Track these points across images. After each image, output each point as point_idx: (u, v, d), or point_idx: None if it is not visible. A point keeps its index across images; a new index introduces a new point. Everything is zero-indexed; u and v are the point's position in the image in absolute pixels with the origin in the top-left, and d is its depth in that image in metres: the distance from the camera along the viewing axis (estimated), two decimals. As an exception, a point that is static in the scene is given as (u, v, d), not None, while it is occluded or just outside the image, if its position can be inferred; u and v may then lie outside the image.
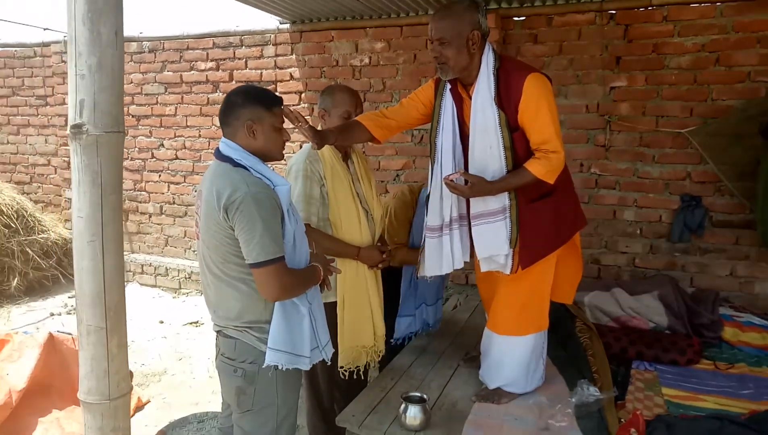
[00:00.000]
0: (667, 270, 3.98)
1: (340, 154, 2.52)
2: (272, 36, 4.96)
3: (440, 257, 2.40)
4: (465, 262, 2.48)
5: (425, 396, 2.27)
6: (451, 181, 2.18)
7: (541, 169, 2.17)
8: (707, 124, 3.72)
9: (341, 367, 2.52)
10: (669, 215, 3.95)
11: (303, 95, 4.94)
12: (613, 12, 3.91)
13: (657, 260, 4.03)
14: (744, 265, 3.84)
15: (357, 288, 2.53)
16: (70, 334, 3.57)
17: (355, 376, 2.57)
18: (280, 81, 4.99)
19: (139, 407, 3.35)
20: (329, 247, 2.42)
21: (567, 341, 3.09)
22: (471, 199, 2.30)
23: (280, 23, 4.91)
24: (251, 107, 1.80)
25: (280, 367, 1.82)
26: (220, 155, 1.82)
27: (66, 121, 5.48)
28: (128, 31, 5.52)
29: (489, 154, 2.22)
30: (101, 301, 1.40)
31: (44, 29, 5.74)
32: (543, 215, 2.32)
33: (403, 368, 2.88)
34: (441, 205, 2.36)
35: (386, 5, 4.30)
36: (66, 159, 5.87)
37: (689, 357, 2.94)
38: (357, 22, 4.63)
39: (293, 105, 4.95)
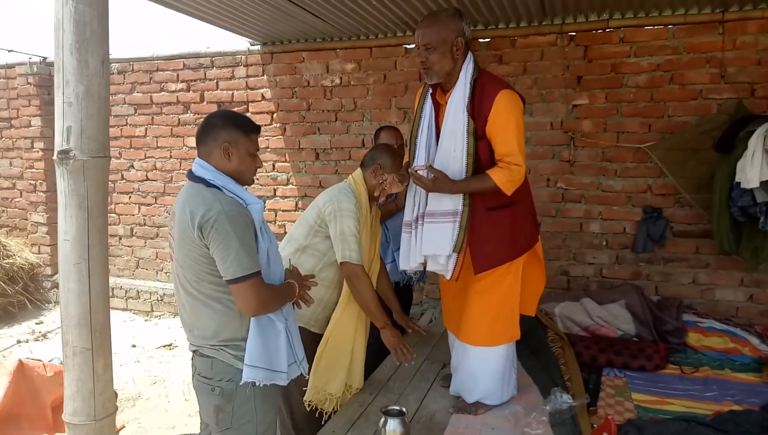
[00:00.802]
0: (633, 279, 4.12)
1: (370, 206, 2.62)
2: (243, 57, 5.01)
3: (408, 252, 2.50)
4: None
5: (404, 409, 2.31)
6: (416, 172, 2.28)
7: (502, 177, 2.26)
8: (664, 139, 3.91)
9: (306, 401, 2.54)
10: (633, 227, 4.11)
11: (275, 115, 4.98)
12: (573, 34, 4.09)
13: (623, 270, 4.17)
14: (705, 272, 4.01)
15: (343, 336, 2.57)
16: (39, 360, 3.50)
17: (317, 415, 2.57)
18: (252, 101, 5.03)
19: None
20: (369, 299, 2.49)
21: (540, 351, 3.18)
22: (429, 197, 2.39)
23: (251, 45, 4.97)
24: (230, 130, 1.84)
25: (257, 384, 1.83)
26: (192, 176, 1.85)
27: (32, 143, 5.40)
28: (96, 52, 5.51)
29: (452, 156, 2.32)
30: (87, 323, 1.41)
31: (9, 51, 5.66)
32: (500, 224, 2.40)
33: (381, 383, 2.92)
34: (414, 201, 2.46)
35: (356, 27, 4.40)
36: (32, 182, 5.77)
37: (656, 363, 3.06)
38: (327, 44, 4.72)
39: (265, 124, 5.00)
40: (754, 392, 2.75)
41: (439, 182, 2.26)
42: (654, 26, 3.96)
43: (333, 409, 2.60)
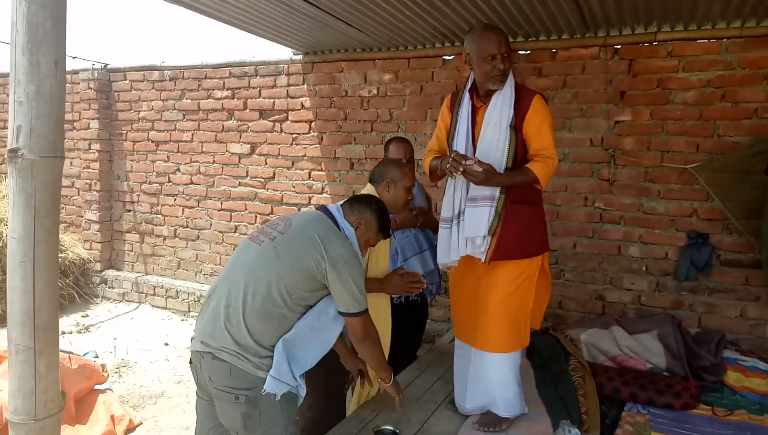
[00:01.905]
0: (674, 309, 3.86)
1: None
2: (285, 66, 5.10)
3: (449, 245, 2.57)
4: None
5: (398, 430, 2.24)
6: (468, 166, 2.35)
7: (540, 170, 2.42)
8: (713, 160, 3.64)
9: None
10: (675, 252, 3.85)
11: (313, 124, 5.03)
12: (618, 46, 3.90)
13: (663, 298, 3.91)
14: (754, 306, 3.70)
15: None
16: (71, 353, 3.66)
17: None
18: (292, 110, 5.11)
19: (131, 429, 3.39)
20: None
21: (559, 379, 3.01)
22: (470, 186, 2.49)
23: (294, 54, 5.05)
24: (374, 218, 2.20)
25: (277, 396, 1.92)
26: (326, 211, 2.16)
27: (89, 145, 5.70)
28: (151, 60, 5.77)
29: (495, 146, 2.47)
30: (30, 321, 1.44)
31: (73, 58, 6.00)
32: (520, 219, 2.51)
33: (387, 401, 2.84)
34: (453, 197, 2.56)
35: (394, 38, 4.38)
36: (87, 181, 6.09)
37: (685, 401, 2.83)
38: (366, 54, 4.72)
39: (303, 133, 5.06)
40: (792, 443, 2.49)
41: (488, 174, 2.37)
42: (708, 39, 3.71)
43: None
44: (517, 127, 2.46)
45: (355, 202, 2.23)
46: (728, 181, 3.58)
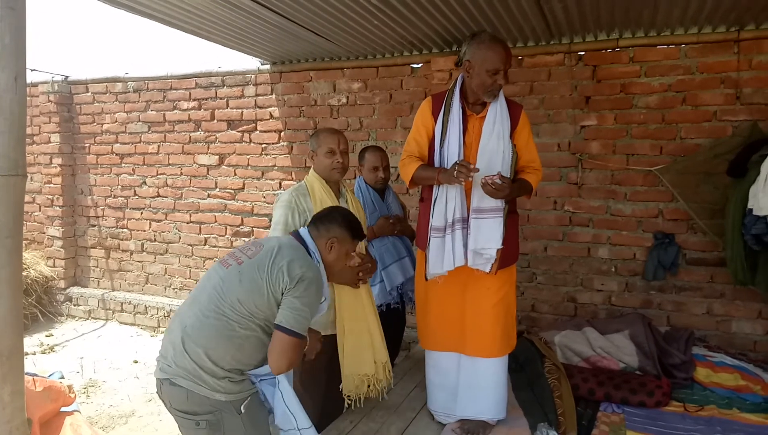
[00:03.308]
0: (644, 308, 3.94)
1: (332, 191, 2.59)
2: (253, 76, 5.05)
3: (442, 255, 2.52)
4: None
5: (377, 441, 2.22)
6: (493, 182, 2.33)
7: (535, 182, 2.58)
8: (676, 162, 3.74)
9: (347, 396, 2.57)
10: (643, 253, 3.94)
11: (282, 134, 4.99)
12: (582, 53, 3.99)
13: (633, 298, 3.99)
14: (720, 303, 3.80)
15: (356, 317, 2.58)
16: (35, 374, 3.51)
17: (360, 404, 2.61)
18: (260, 120, 5.06)
19: (101, 451, 3.27)
20: None
21: (535, 382, 3.04)
22: (475, 196, 2.46)
23: (261, 64, 5.01)
24: (343, 229, 2.10)
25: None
26: (298, 236, 2.10)
27: (51, 159, 5.52)
28: (115, 71, 5.64)
29: (501, 158, 2.46)
30: None
31: (31, 70, 5.81)
32: (515, 227, 2.64)
33: (364, 410, 2.82)
34: (446, 207, 2.50)
35: (362, 47, 4.39)
36: (49, 197, 5.91)
37: (658, 399, 2.88)
38: (334, 63, 4.72)
39: (273, 143, 5.01)
40: (761, 436, 2.56)
41: (511, 188, 2.40)
42: (666, 45, 3.83)
43: (370, 389, 2.63)
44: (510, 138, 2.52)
45: (318, 221, 2.14)
46: (692, 183, 3.68)
